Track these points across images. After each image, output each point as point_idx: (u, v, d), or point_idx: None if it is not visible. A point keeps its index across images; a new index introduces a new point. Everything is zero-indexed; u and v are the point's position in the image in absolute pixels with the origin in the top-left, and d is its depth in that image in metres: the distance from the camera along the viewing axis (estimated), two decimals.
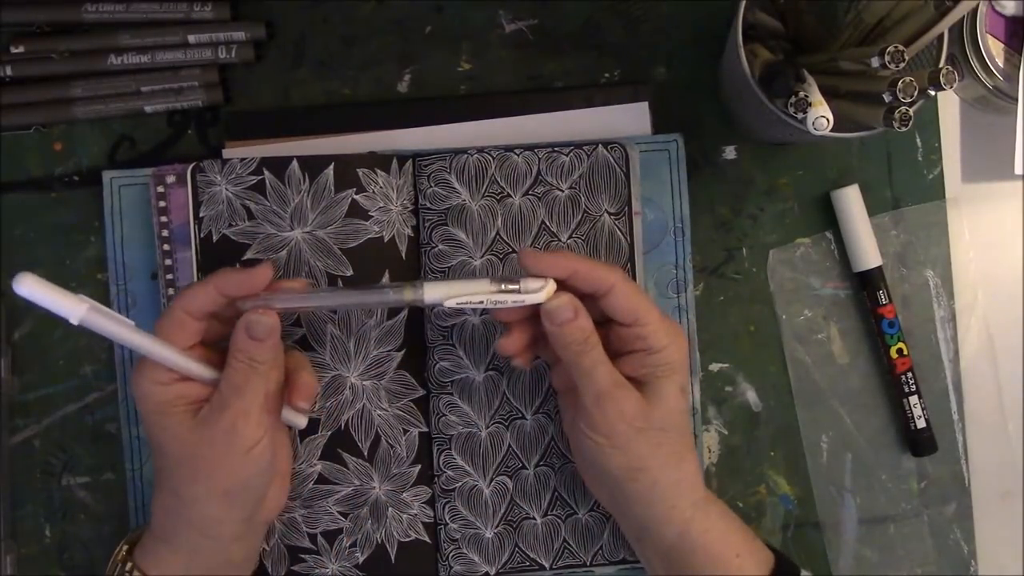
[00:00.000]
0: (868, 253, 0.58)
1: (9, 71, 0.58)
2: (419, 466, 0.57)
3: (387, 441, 0.56)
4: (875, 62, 0.46)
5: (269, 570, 0.56)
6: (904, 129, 0.46)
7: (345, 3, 0.60)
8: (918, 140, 0.60)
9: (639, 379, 0.50)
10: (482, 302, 0.49)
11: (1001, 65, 0.56)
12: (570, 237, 0.57)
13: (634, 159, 0.57)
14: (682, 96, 0.60)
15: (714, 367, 0.60)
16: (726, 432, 0.60)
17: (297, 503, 0.56)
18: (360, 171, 0.56)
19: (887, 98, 0.47)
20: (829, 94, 0.49)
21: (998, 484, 0.60)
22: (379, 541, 0.56)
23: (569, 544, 0.57)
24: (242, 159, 0.56)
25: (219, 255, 0.56)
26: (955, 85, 0.46)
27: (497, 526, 0.57)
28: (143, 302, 0.58)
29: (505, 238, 0.57)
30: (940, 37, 0.49)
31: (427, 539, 0.57)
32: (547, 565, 0.57)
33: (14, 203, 0.59)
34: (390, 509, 0.56)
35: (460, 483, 0.57)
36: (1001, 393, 0.60)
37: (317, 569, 0.56)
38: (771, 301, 0.60)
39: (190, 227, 0.56)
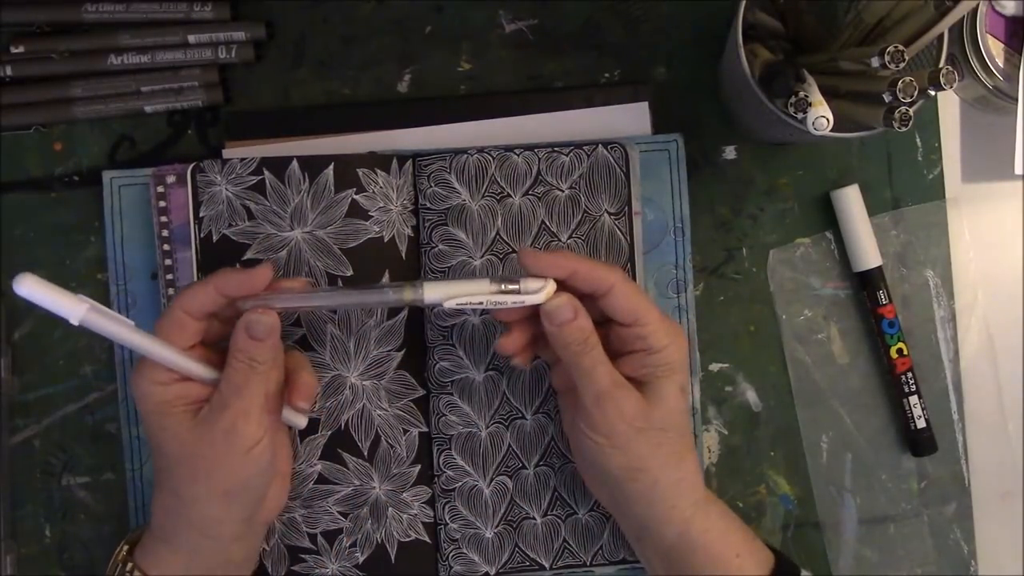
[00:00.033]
0: (868, 253, 0.58)
1: (9, 71, 0.58)
2: (419, 466, 0.57)
3: (387, 441, 0.56)
4: (875, 62, 0.46)
5: (269, 570, 0.56)
6: (904, 129, 0.46)
7: (345, 3, 0.60)
8: (918, 140, 0.60)
9: (639, 379, 0.50)
10: (482, 303, 0.49)
11: (1001, 65, 0.56)
12: (570, 237, 0.57)
13: (634, 159, 0.57)
14: (682, 96, 0.60)
15: (714, 367, 0.60)
16: (726, 432, 0.60)
17: (297, 503, 0.56)
18: (360, 171, 0.56)
19: (887, 98, 0.47)
20: (829, 94, 0.49)
21: (998, 484, 0.60)
22: (379, 541, 0.56)
23: (569, 544, 0.57)
24: (242, 159, 0.56)
25: (219, 255, 0.56)
26: (955, 85, 0.46)
27: (497, 526, 0.57)
28: (143, 302, 0.58)
29: (505, 238, 0.57)
30: (940, 37, 0.49)
31: (427, 539, 0.57)
32: (547, 565, 0.57)
33: (14, 203, 0.59)
34: (390, 509, 0.56)
35: (460, 483, 0.57)
36: (1001, 393, 0.60)
37: (317, 569, 0.56)
38: (771, 301, 0.60)
39: (190, 227, 0.56)
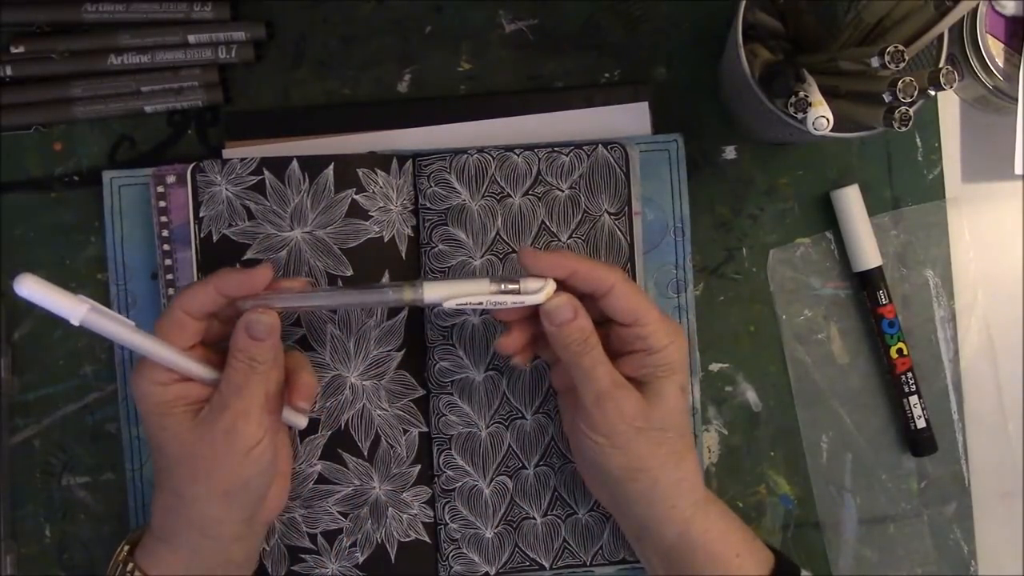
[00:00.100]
0: (868, 253, 0.58)
1: (9, 71, 0.58)
2: (419, 466, 0.57)
3: (387, 441, 0.56)
4: (875, 62, 0.46)
5: (269, 570, 0.56)
6: (904, 129, 0.46)
7: (345, 3, 0.60)
8: (918, 140, 0.60)
9: (639, 379, 0.50)
10: (481, 303, 0.49)
11: (1001, 65, 0.56)
12: (570, 237, 0.57)
13: (634, 159, 0.57)
14: (682, 96, 0.60)
15: (714, 367, 0.60)
16: (726, 432, 0.60)
17: (297, 503, 0.56)
18: (360, 171, 0.56)
19: (887, 98, 0.47)
20: (829, 94, 0.49)
21: (998, 484, 0.60)
22: (379, 541, 0.56)
23: (569, 544, 0.57)
24: (242, 159, 0.56)
25: (219, 255, 0.56)
26: (955, 85, 0.46)
27: (497, 526, 0.57)
28: (143, 302, 0.58)
29: (505, 238, 0.57)
30: (940, 37, 0.49)
31: (427, 539, 0.57)
32: (547, 565, 0.57)
33: (14, 203, 0.59)
34: (390, 509, 0.56)
35: (460, 483, 0.57)
36: (1001, 393, 0.60)
37: (317, 569, 0.56)
38: (771, 301, 0.60)
39: (190, 227, 0.56)
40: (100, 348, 0.59)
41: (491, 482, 0.57)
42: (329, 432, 0.56)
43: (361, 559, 0.56)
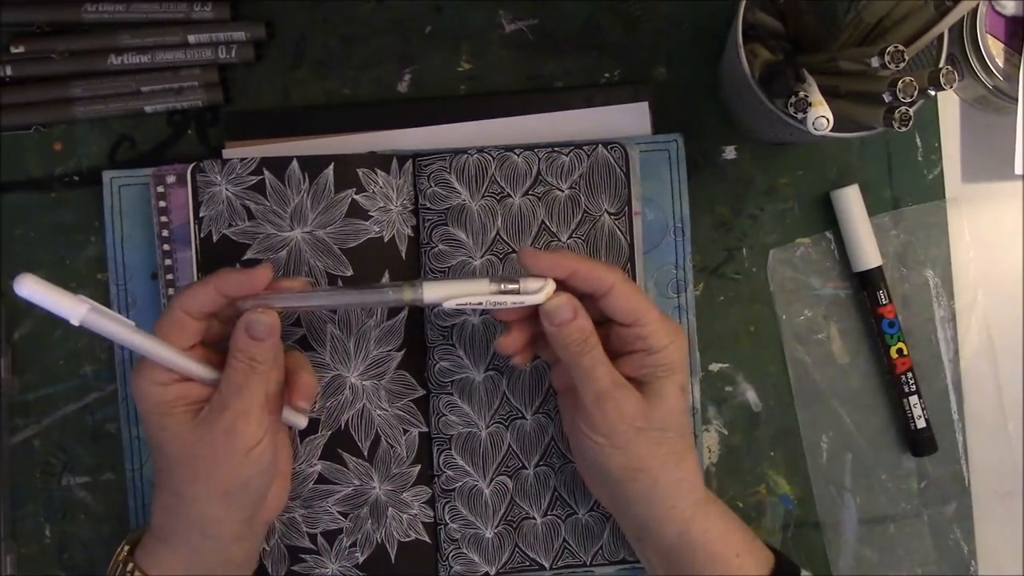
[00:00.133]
0: (868, 253, 0.58)
1: (9, 71, 0.58)
2: (419, 466, 0.57)
3: (387, 441, 0.56)
4: (875, 62, 0.46)
5: (269, 570, 0.56)
6: (904, 129, 0.46)
7: (345, 3, 0.60)
8: (918, 140, 0.60)
9: (639, 379, 0.50)
10: (481, 303, 0.49)
11: (1001, 65, 0.56)
12: (570, 237, 0.57)
13: (634, 159, 0.57)
14: (682, 96, 0.60)
15: (714, 367, 0.60)
16: (726, 432, 0.60)
17: (297, 503, 0.56)
18: (360, 171, 0.56)
19: (887, 98, 0.47)
20: (829, 94, 0.49)
21: (998, 484, 0.60)
22: (379, 541, 0.56)
23: (569, 544, 0.57)
24: (242, 159, 0.56)
25: (219, 255, 0.56)
26: (955, 85, 0.46)
27: (497, 526, 0.57)
28: (143, 302, 0.58)
29: (505, 238, 0.57)
30: (940, 37, 0.49)
31: (427, 539, 0.57)
32: (547, 565, 0.57)
33: (14, 203, 0.59)
34: (390, 509, 0.56)
35: (460, 483, 0.57)
36: (1001, 393, 0.60)
37: (317, 569, 0.56)
38: (771, 301, 0.60)
39: (190, 227, 0.56)
40: (100, 348, 0.59)
41: (491, 482, 0.57)
42: (329, 432, 0.56)
43: (361, 559, 0.56)
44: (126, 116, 0.59)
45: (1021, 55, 0.56)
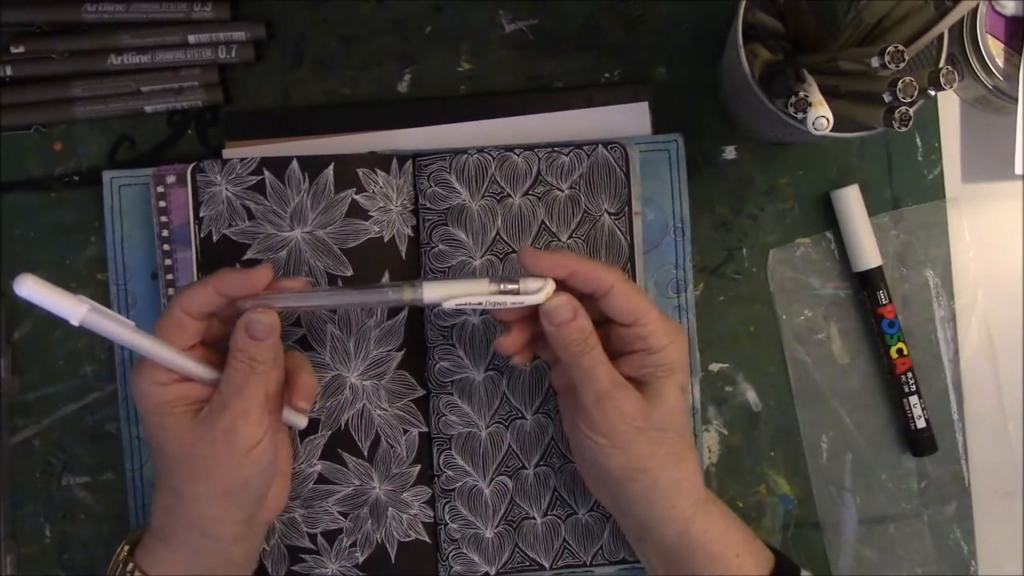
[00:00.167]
0: (868, 253, 0.58)
1: (9, 71, 0.58)
2: (419, 466, 0.57)
3: (387, 441, 0.56)
4: (875, 62, 0.46)
5: (269, 570, 0.56)
6: (904, 129, 0.46)
7: (345, 3, 0.60)
8: (918, 140, 0.60)
9: (639, 379, 0.50)
10: (481, 303, 0.49)
11: (1001, 65, 0.56)
12: (570, 237, 0.57)
13: (634, 159, 0.57)
14: (682, 96, 0.60)
15: (714, 367, 0.60)
16: (726, 432, 0.60)
17: (297, 503, 0.56)
18: (360, 171, 0.56)
19: (887, 98, 0.47)
20: (829, 94, 0.49)
21: (998, 484, 0.60)
22: (379, 541, 0.56)
23: (569, 544, 0.57)
24: (242, 159, 0.56)
25: (219, 255, 0.56)
26: (955, 85, 0.46)
27: (497, 526, 0.57)
28: (143, 302, 0.58)
29: (505, 238, 0.57)
30: (940, 37, 0.49)
31: (427, 539, 0.57)
32: (547, 565, 0.57)
33: (14, 203, 0.59)
34: (390, 509, 0.56)
35: (460, 483, 0.57)
36: (1001, 393, 0.60)
37: (317, 569, 0.56)
38: (771, 301, 0.60)
39: (190, 227, 0.56)
40: (100, 348, 0.59)
41: (491, 482, 0.57)
42: (329, 432, 0.56)
43: (361, 559, 0.56)
44: (126, 116, 0.59)
45: (1021, 55, 0.56)
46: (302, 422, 0.53)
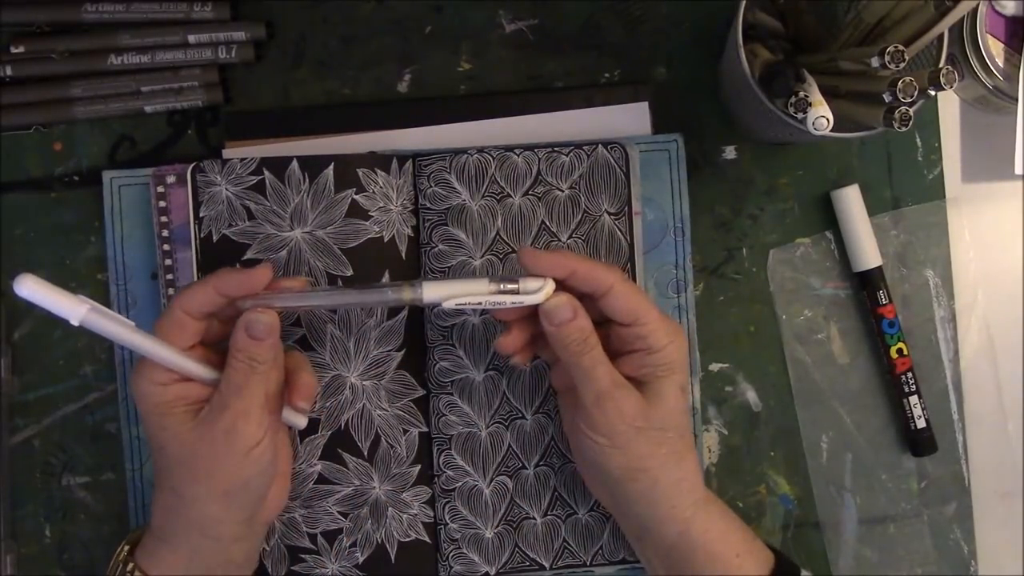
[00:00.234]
0: (868, 253, 0.58)
1: (9, 71, 0.58)
2: (419, 466, 0.57)
3: (387, 441, 0.56)
4: (875, 62, 0.46)
5: (269, 570, 0.56)
6: (904, 129, 0.46)
7: (345, 3, 0.60)
8: (918, 140, 0.60)
9: (639, 379, 0.50)
10: (481, 303, 0.49)
11: (1001, 65, 0.56)
12: (570, 237, 0.57)
13: (634, 159, 0.57)
14: (682, 96, 0.60)
15: (714, 367, 0.60)
16: (726, 432, 0.60)
17: (297, 503, 0.56)
18: (360, 171, 0.56)
19: (887, 98, 0.47)
20: (829, 94, 0.49)
21: (998, 484, 0.60)
22: (379, 541, 0.56)
23: (569, 544, 0.57)
24: (242, 159, 0.56)
25: (219, 255, 0.56)
26: (955, 85, 0.46)
27: (497, 526, 0.57)
28: (143, 302, 0.58)
29: (505, 238, 0.57)
30: (940, 37, 0.49)
31: (427, 539, 0.57)
32: (547, 565, 0.57)
33: (14, 203, 0.59)
34: (390, 509, 0.56)
35: (460, 483, 0.57)
36: (1001, 393, 0.60)
37: (317, 569, 0.56)
38: (771, 301, 0.60)
39: (190, 227, 0.56)
40: (100, 348, 0.59)
41: (491, 482, 0.57)
42: (329, 432, 0.56)
43: (361, 559, 0.56)
44: (126, 116, 0.59)
45: (1021, 55, 0.56)
46: (302, 422, 0.53)
